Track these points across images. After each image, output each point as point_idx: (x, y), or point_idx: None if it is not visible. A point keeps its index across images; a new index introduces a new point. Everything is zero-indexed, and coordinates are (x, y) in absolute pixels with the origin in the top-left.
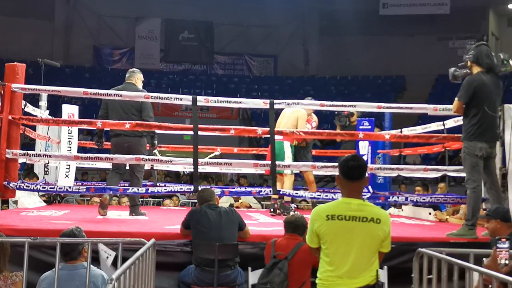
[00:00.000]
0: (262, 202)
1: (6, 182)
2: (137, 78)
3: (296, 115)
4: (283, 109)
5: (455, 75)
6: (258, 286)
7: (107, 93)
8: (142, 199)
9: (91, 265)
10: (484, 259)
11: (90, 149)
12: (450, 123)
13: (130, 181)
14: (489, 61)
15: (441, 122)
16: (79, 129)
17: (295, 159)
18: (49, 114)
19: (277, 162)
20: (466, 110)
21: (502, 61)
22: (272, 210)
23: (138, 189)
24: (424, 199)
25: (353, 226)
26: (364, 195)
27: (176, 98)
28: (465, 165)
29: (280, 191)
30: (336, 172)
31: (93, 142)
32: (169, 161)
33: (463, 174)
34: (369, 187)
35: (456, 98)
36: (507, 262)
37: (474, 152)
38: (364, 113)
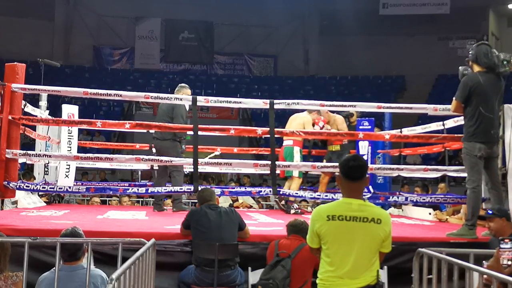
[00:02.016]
0: (262, 202)
1: (6, 182)
2: (183, 93)
3: (302, 122)
4: (283, 109)
5: (464, 74)
6: (260, 282)
7: (107, 93)
8: (142, 199)
9: (91, 266)
10: (484, 261)
11: (90, 149)
12: (450, 123)
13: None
14: (487, 60)
15: (441, 122)
16: (79, 129)
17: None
18: (49, 114)
19: (277, 163)
20: (464, 111)
21: (502, 61)
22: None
23: (138, 189)
24: (424, 199)
25: (354, 226)
26: (365, 195)
27: (176, 98)
28: (465, 165)
29: (280, 191)
30: (336, 172)
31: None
32: (169, 161)
33: (463, 174)
34: (370, 187)
35: (454, 98)
36: (509, 262)
37: (473, 153)
38: (364, 113)
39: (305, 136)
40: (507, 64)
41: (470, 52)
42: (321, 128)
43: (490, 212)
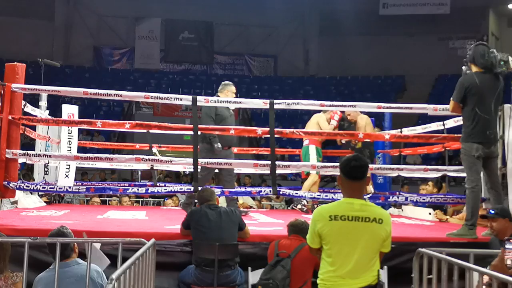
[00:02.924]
0: (263, 202)
1: (6, 182)
2: (227, 90)
3: (316, 120)
4: (283, 109)
5: (466, 74)
6: (260, 282)
7: (107, 93)
8: (142, 199)
9: (84, 261)
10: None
11: (90, 149)
12: (450, 123)
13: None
14: (483, 61)
15: (441, 122)
16: (79, 129)
17: None
18: (49, 114)
19: (277, 162)
20: (462, 111)
21: (499, 61)
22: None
23: (138, 189)
24: (424, 199)
25: (356, 226)
26: (365, 195)
27: (176, 98)
28: (464, 165)
29: (280, 191)
30: (336, 172)
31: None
32: (169, 161)
33: (463, 174)
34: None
35: (451, 98)
36: None
37: (471, 153)
38: (364, 113)
39: (305, 136)
40: (504, 64)
41: (468, 53)
42: (337, 121)
43: (493, 211)
